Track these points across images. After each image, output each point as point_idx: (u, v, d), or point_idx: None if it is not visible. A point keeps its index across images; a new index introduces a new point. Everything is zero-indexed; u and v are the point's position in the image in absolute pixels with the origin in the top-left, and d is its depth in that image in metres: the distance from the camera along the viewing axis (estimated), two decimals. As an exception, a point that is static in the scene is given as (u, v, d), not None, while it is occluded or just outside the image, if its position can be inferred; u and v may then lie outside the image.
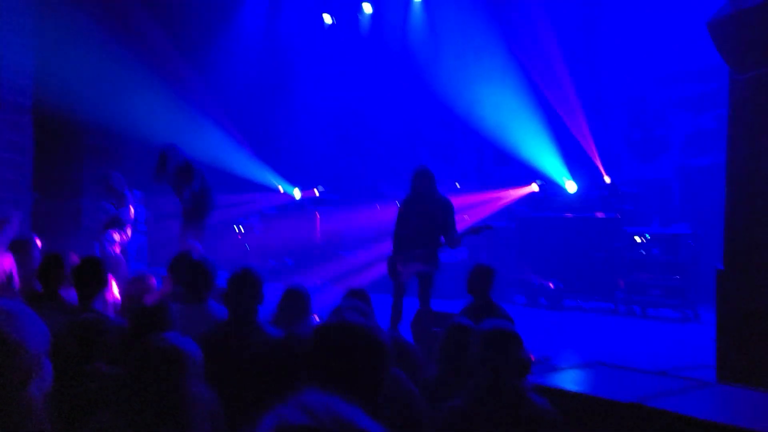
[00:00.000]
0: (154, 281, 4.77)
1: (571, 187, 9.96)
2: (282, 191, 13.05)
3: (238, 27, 13.42)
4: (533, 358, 5.65)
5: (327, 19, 13.93)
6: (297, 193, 12.96)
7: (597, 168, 10.65)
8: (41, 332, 1.55)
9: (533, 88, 11.22)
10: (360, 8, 13.49)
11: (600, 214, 9.32)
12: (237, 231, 12.88)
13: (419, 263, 6.06)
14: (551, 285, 9.25)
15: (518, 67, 11.25)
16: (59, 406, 2.44)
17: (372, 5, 13.36)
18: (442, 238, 6.04)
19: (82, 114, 11.22)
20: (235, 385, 2.62)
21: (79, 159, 11.73)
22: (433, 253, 6.07)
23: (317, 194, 12.68)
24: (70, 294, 3.80)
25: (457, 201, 5.63)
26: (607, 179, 10.14)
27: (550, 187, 10.10)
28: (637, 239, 8.89)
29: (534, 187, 9.61)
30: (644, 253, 8.83)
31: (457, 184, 11.90)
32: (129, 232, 9.13)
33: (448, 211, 6.13)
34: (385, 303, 7.37)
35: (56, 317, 3.01)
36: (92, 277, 3.41)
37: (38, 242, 6.58)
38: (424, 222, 6.09)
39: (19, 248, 5.36)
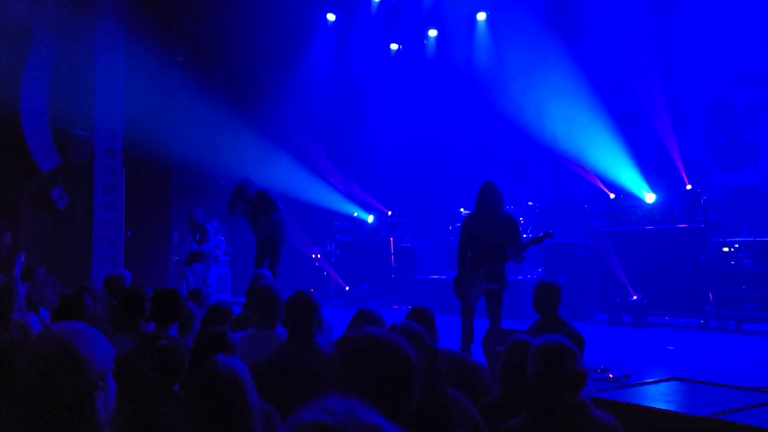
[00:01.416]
0: (231, 309, 4.99)
1: (650, 198, 9.59)
2: (355, 216, 13.29)
3: (309, 62, 13.92)
4: (611, 376, 5.48)
5: (393, 46, 14.21)
6: (370, 219, 13.16)
7: (677, 177, 10.21)
8: (107, 351, 1.69)
9: (605, 99, 10.94)
10: (425, 34, 13.68)
11: (683, 225, 8.90)
12: (314, 258, 13.21)
13: (486, 282, 6.01)
14: (635, 297, 8.88)
15: (589, 79, 11.02)
16: (134, 427, 2.62)
17: (437, 29, 13.51)
18: (509, 252, 5.98)
19: (169, 155, 11.96)
20: (296, 404, 2.71)
21: (167, 197, 12.45)
22: (500, 271, 6.00)
23: (389, 219, 12.83)
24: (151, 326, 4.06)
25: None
26: (689, 188, 9.69)
27: (627, 199, 9.75)
28: (726, 249, 8.42)
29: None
30: (734, 263, 8.35)
31: (530, 202, 11.73)
32: (211, 264, 9.62)
33: (513, 227, 6.07)
34: (458, 325, 7.36)
35: (122, 344, 3.23)
36: (169, 306, 3.62)
37: (128, 276, 7.06)
38: (490, 240, 6.03)
39: (109, 282, 5.77)
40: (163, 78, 11.52)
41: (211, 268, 9.67)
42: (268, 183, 8.25)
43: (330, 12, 13.66)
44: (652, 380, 4.12)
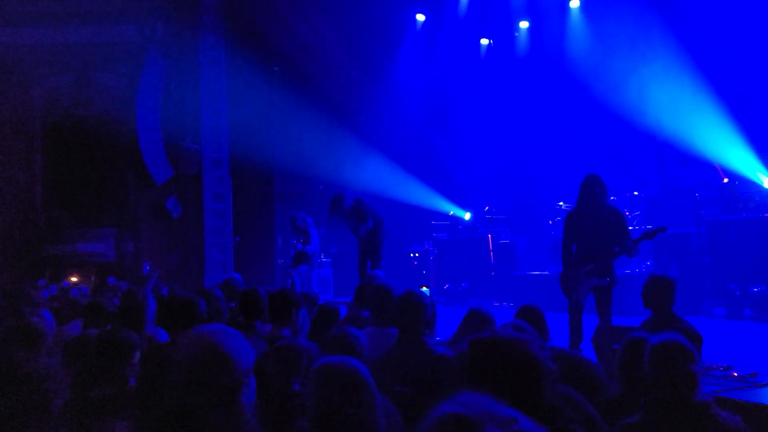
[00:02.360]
0: (339, 309, 5.16)
1: (769, 183, 8.93)
2: (451, 214, 13.27)
3: (400, 62, 14.05)
4: (736, 374, 5.17)
5: (484, 42, 14.06)
6: (467, 216, 13.09)
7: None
8: (248, 351, 1.84)
9: (713, 81, 10.28)
10: (516, 27, 13.44)
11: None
12: (412, 257, 13.31)
13: (594, 278, 5.85)
14: (756, 289, 8.30)
15: (695, 58, 10.40)
16: (265, 419, 2.79)
17: (528, 20, 13.24)
18: (617, 249, 5.79)
19: (271, 162, 12.50)
20: (410, 399, 2.79)
21: (271, 203, 13.02)
22: (608, 266, 5.83)
23: (487, 216, 12.70)
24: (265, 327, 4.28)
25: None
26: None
27: (742, 185, 9.12)
28: None
29: None
30: None
31: (635, 192, 11.23)
32: (315, 265, 9.96)
33: (620, 220, 5.87)
34: (561, 322, 7.21)
35: (256, 344, 3.41)
36: (285, 307, 3.81)
37: (240, 280, 7.46)
38: (596, 234, 5.86)
39: (226, 286, 6.13)
40: (263, 88, 12.06)
41: (315, 269, 10.01)
42: (364, 187, 8.48)
43: (419, 12, 13.71)
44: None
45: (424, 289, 5.79)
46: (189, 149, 11.98)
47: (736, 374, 5.20)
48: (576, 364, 3.57)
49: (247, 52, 11.64)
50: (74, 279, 11.91)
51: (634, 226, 10.57)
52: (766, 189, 8.86)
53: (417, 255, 13.30)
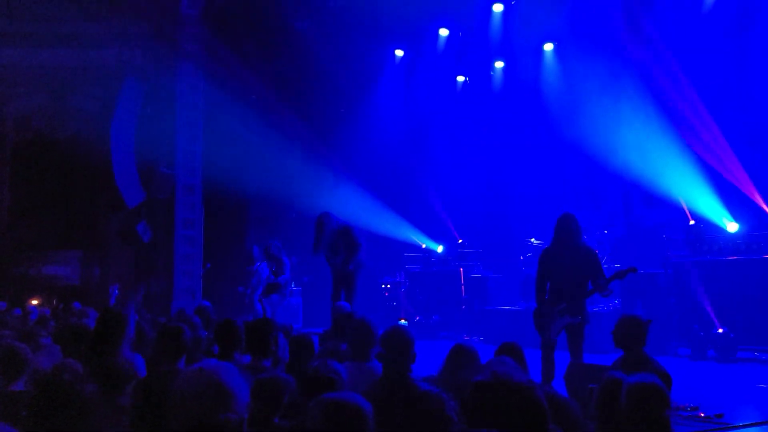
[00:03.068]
0: (313, 341, 5.13)
1: (732, 227, 9.23)
2: (424, 247, 13.35)
3: (379, 96, 14.25)
4: (702, 415, 5.29)
5: (460, 79, 14.37)
6: (440, 249, 13.18)
7: (759, 206, 9.79)
8: (246, 387, 1.84)
9: (679, 127, 10.67)
10: (492, 66, 13.78)
11: (770, 255, 8.52)
12: (384, 289, 13.31)
13: (567, 316, 5.95)
14: (720, 330, 8.50)
15: (661, 106, 10.80)
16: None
17: (503, 60, 13.59)
18: (590, 286, 5.92)
19: (245, 190, 12.46)
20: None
21: (243, 230, 12.93)
22: (581, 305, 5.94)
23: (459, 249, 12.81)
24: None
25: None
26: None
27: (707, 228, 9.42)
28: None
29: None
30: (829, 296, 7.91)
31: (605, 231, 11.49)
32: (286, 294, 9.89)
33: (594, 259, 6.02)
34: (533, 357, 7.25)
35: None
36: (264, 338, 3.78)
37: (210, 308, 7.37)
38: (569, 273, 5.99)
39: (200, 313, 6.05)
40: (239, 116, 12.08)
41: (286, 299, 9.94)
42: (344, 216, 8.45)
43: (398, 48, 13.98)
44: (752, 423, 3.96)
45: (403, 322, 5.83)
46: (162, 174, 11.88)
47: (702, 415, 5.32)
48: (556, 402, 3.62)
49: (225, 80, 11.69)
50: (35, 302, 11.58)
51: (603, 264, 10.78)
52: (729, 233, 9.15)
53: (389, 286, 13.30)
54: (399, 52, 14.05)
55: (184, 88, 11.92)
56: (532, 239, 11.66)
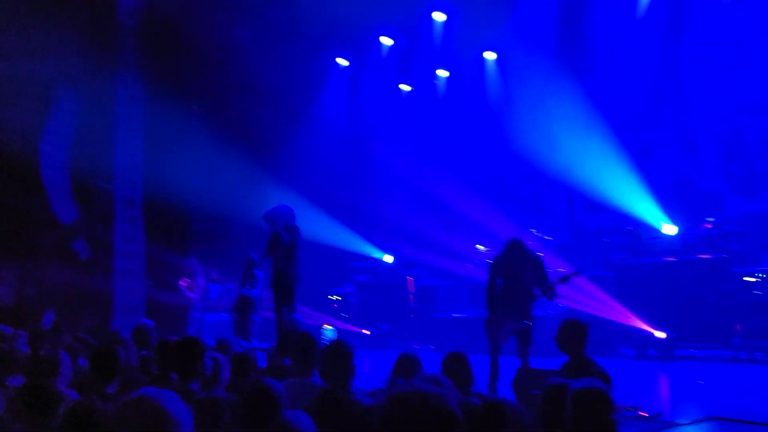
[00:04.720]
0: (255, 357, 5.00)
1: (669, 229, 9.54)
2: (374, 258, 13.30)
3: (323, 105, 14.18)
4: (646, 415, 5.39)
5: (404, 88, 14.43)
6: (388, 259, 13.15)
7: (695, 208, 10.17)
8: (188, 413, 1.74)
9: (618, 131, 11.00)
10: (435, 75, 13.90)
11: (705, 256, 8.84)
12: (332, 300, 13.19)
13: (515, 321, 6.08)
14: (661, 335, 8.75)
15: (601, 112, 11.11)
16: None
17: (447, 70, 13.73)
18: (537, 291, 6.05)
19: (188, 203, 12.13)
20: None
21: (186, 244, 12.58)
22: (528, 310, 6.06)
23: (408, 259, 12.81)
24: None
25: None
26: (709, 219, 9.64)
27: (646, 231, 9.71)
28: (750, 279, 8.33)
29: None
30: (760, 293, 8.25)
31: (547, 237, 11.69)
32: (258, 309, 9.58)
33: (539, 265, 6.15)
34: (484, 364, 7.28)
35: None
36: (191, 358, 3.62)
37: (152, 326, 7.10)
38: (517, 279, 6.12)
39: (138, 333, 5.81)
40: (181, 128, 11.77)
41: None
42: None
43: (342, 57, 13.94)
44: (691, 420, 4.05)
45: (328, 327, 5.78)
46: (100, 188, 11.45)
47: (642, 414, 5.44)
48: (506, 411, 3.61)
49: (166, 91, 11.37)
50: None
51: (547, 269, 10.96)
52: (667, 236, 9.45)
53: (338, 297, 13.19)
54: (342, 62, 14.01)
55: (123, 99, 11.53)
56: (479, 246, 11.77)
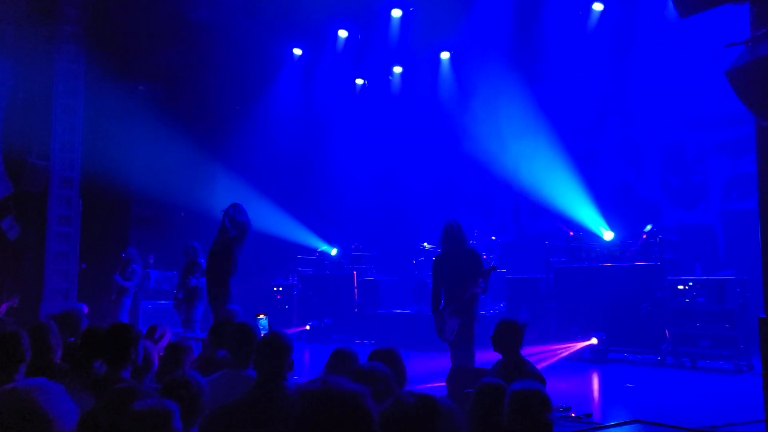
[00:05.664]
0: (190, 347, 4.84)
1: (608, 235, 9.81)
2: (319, 250, 13.18)
3: (275, 94, 13.95)
4: (574, 415, 5.51)
5: (359, 82, 14.35)
6: (333, 252, 13.07)
7: (634, 216, 10.49)
8: (71, 409, 1.62)
9: (564, 138, 11.23)
10: (390, 71, 13.88)
11: (640, 263, 9.11)
12: (276, 291, 13.02)
13: (455, 317, 6.16)
14: (594, 340, 8.98)
15: (549, 118, 11.32)
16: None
17: (402, 66, 13.73)
18: (473, 289, 6.14)
19: (129, 186, 11.72)
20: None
21: (125, 228, 12.16)
22: (466, 305, 6.14)
23: (353, 252, 12.75)
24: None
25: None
26: (647, 227, 9.94)
27: (586, 236, 9.96)
28: (681, 287, 8.64)
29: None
30: (689, 301, 8.56)
31: (493, 237, 11.86)
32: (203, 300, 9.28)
33: (477, 262, 6.23)
34: (423, 360, 7.33)
35: (87, 389, 3.09)
36: (122, 345, 3.46)
37: (84, 310, 6.82)
38: (456, 276, 6.22)
39: (67, 317, 5.54)
40: (125, 107, 11.35)
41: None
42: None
43: (296, 47, 13.74)
44: (616, 423, 4.15)
45: (262, 317, 5.65)
46: (35, 165, 10.92)
47: (573, 415, 5.56)
48: (436, 406, 3.60)
49: (111, 67, 10.94)
50: None
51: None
52: (605, 241, 9.70)
53: (281, 289, 13.03)
54: (297, 51, 13.82)
55: (62, 73, 11.03)
56: (425, 243, 11.82)
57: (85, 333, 4.08)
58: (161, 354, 4.72)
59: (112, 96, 10.90)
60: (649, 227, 9.59)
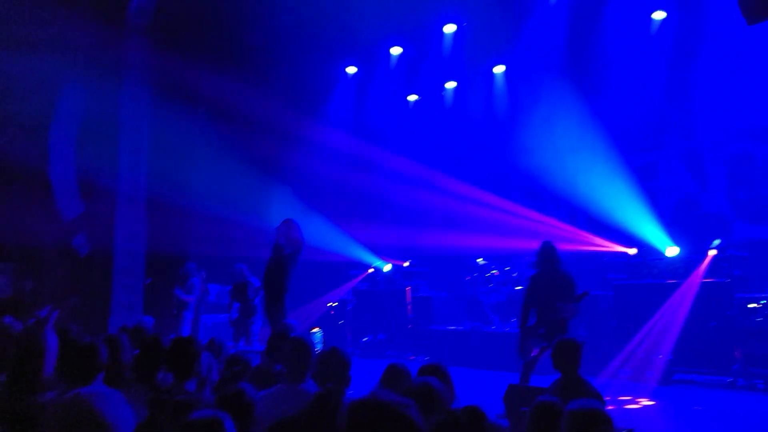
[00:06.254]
0: (249, 360, 4.93)
1: (672, 251, 9.46)
2: (373, 266, 13.24)
3: (329, 114, 14.19)
4: (638, 438, 5.30)
5: (412, 98, 14.43)
6: (387, 268, 13.10)
7: (699, 231, 10.08)
8: (128, 416, 1.69)
9: (624, 152, 10.94)
10: (443, 86, 13.90)
11: (708, 280, 8.74)
12: (330, 307, 13.13)
13: (540, 340, 6.18)
14: (660, 357, 8.64)
15: (607, 131, 11.06)
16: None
17: (455, 81, 13.73)
18: (564, 313, 6.10)
19: (190, 204, 12.13)
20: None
21: (188, 244, 12.57)
22: (557, 328, 6.12)
23: (406, 268, 12.75)
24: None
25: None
26: (715, 242, 9.53)
27: (648, 252, 9.63)
28: (752, 305, 8.22)
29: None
30: (761, 320, 8.14)
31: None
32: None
33: (570, 285, 6.32)
34: (476, 378, 7.24)
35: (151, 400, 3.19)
36: (186, 357, 3.56)
37: (150, 323, 7.07)
38: (547, 298, 6.30)
39: (136, 331, 5.75)
40: (187, 128, 11.79)
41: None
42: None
43: (350, 65, 13.96)
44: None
45: (315, 330, 5.70)
46: (103, 185, 11.47)
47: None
48: (484, 423, 3.54)
49: (173, 91, 11.41)
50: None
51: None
52: (669, 257, 9.36)
53: (335, 305, 13.13)
54: (351, 69, 14.03)
55: (128, 98, 11.58)
56: (479, 259, 11.70)
57: (147, 344, 4.22)
58: (220, 367, 4.84)
59: (174, 118, 11.33)
60: (717, 242, 9.20)
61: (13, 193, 11.69)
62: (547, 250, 6.52)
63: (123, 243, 11.72)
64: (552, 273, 6.42)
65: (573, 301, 6.18)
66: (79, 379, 3.26)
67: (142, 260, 11.82)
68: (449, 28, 12.40)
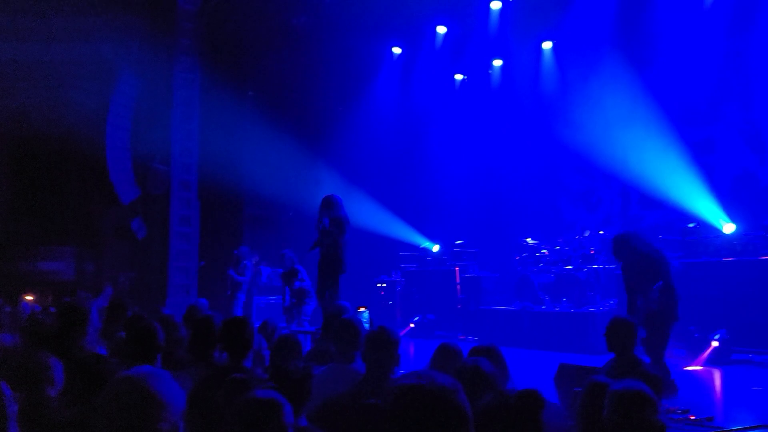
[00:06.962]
0: (299, 341, 5.05)
1: (728, 228, 9.15)
2: (422, 247, 13.28)
3: (376, 94, 14.19)
4: (693, 418, 5.22)
5: (458, 77, 14.29)
6: (436, 248, 13.12)
7: (757, 206, 9.71)
8: (180, 394, 1.77)
9: (678, 125, 10.59)
10: (490, 64, 13.71)
11: (766, 257, 8.44)
12: (379, 288, 13.26)
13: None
14: (716, 339, 8.42)
15: (660, 105, 10.71)
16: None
17: (502, 59, 13.52)
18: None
19: (241, 187, 12.38)
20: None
21: (239, 227, 12.86)
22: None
23: (455, 248, 12.73)
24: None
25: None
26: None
27: (704, 229, 9.34)
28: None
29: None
30: (824, 298, 7.83)
31: (601, 231, 11.41)
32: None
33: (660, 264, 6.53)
34: (526, 357, 7.23)
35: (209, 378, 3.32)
36: (239, 337, 3.67)
37: (205, 305, 7.30)
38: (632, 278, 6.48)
39: (191, 312, 5.96)
40: (236, 112, 12.01)
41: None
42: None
43: (396, 46, 13.90)
44: (741, 428, 3.89)
45: (362, 310, 5.74)
46: (158, 170, 11.81)
47: (693, 418, 5.27)
48: (540, 398, 3.54)
49: (222, 76, 11.61)
50: (29, 298, 11.53)
51: (598, 264, 10.73)
52: (726, 234, 9.07)
53: (384, 285, 13.24)
54: (396, 50, 13.97)
55: (180, 83, 11.85)
56: (528, 239, 11.59)
57: (200, 325, 4.35)
58: (271, 347, 4.98)
59: (224, 103, 11.55)
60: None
61: (73, 179, 12.20)
62: (628, 238, 6.64)
63: (177, 226, 12.09)
64: (636, 252, 6.54)
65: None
66: (139, 358, 3.42)
67: (197, 243, 12.17)
68: (495, 5, 12.18)
